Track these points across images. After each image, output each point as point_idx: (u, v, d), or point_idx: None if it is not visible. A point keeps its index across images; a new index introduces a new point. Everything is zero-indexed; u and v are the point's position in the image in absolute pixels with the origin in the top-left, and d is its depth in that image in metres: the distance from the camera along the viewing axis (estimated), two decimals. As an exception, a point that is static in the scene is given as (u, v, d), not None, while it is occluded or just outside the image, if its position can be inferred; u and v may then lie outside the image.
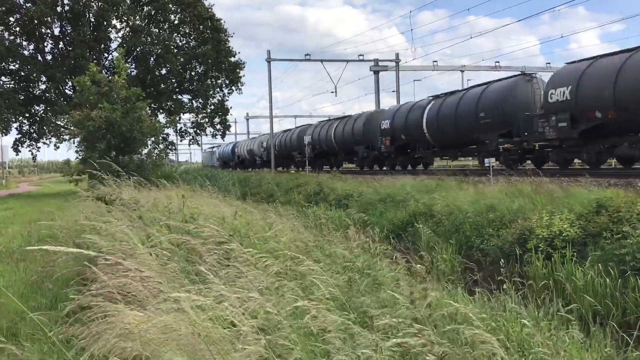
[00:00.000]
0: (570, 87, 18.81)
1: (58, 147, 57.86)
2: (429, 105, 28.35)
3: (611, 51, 19.67)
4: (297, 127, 52.63)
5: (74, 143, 23.73)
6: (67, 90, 41.11)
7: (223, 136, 47.18)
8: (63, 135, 40.93)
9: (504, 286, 6.66)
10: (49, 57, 41.75)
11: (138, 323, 3.10)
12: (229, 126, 46.80)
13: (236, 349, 2.95)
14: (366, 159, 34.70)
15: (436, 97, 28.97)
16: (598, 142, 18.81)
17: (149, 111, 27.50)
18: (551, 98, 19.73)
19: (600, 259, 8.79)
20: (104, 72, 24.05)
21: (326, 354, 3.42)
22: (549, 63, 48.73)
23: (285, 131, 53.72)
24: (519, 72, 27.18)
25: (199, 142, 52.14)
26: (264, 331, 3.22)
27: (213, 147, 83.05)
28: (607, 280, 8.19)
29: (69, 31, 40.49)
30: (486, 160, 19.07)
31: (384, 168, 33.35)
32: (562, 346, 4.25)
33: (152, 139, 21.01)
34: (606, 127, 17.91)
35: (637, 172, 16.93)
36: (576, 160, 23.21)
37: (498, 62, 47.22)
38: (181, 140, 52.21)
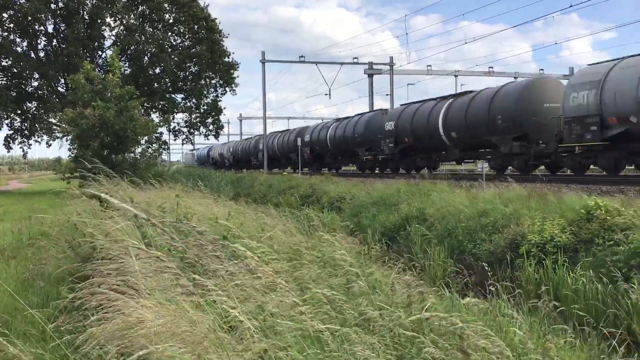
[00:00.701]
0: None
1: (50, 145, 57.67)
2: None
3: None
4: (286, 130, 53.37)
5: (66, 141, 23.62)
6: (59, 88, 40.96)
7: (216, 136, 47.12)
8: (55, 133, 40.77)
9: (496, 290, 6.68)
10: (42, 54, 41.64)
11: (141, 317, 3.09)
12: (222, 126, 46.76)
13: (235, 349, 2.95)
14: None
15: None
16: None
17: (142, 110, 27.42)
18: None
19: (592, 265, 8.85)
20: (97, 70, 23.93)
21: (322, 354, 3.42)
22: (542, 69, 49.04)
23: (274, 133, 53.95)
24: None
25: (193, 142, 52.06)
26: (262, 332, 3.22)
27: (193, 150, 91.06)
28: (599, 286, 8.24)
29: (62, 28, 40.36)
30: (479, 164, 19.13)
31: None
32: (555, 352, 4.27)
33: (146, 137, 20.94)
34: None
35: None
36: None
37: (492, 67, 47.47)
38: (175, 140, 52.13)
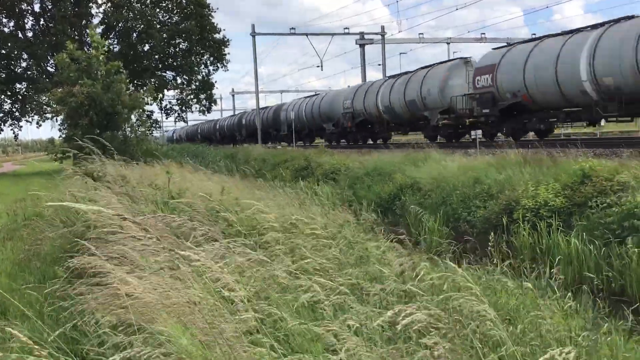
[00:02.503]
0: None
1: (40, 125, 57.32)
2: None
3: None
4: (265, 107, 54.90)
5: (56, 121, 23.50)
6: (49, 68, 40.56)
7: (209, 111, 46.94)
8: (45, 113, 40.50)
9: (491, 256, 6.72)
10: (29, 34, 41.12)
11: (133, 287, 3.10)
12: (215, 101, 46.52)
13: (227, 320, 2.96)
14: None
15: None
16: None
17: (132, 87, 27.20)
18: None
19: (586, 227, 8.90)
20: (85, 49, 23.69)
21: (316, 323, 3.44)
22: (534, 34, 48.66)
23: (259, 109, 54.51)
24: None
25: (185, 119, 51.80)
26: (252, 301, 3.23)
27: (174, 130, 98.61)
28: (592, 248, 8.31)
29: (49, 7, 39.79)
30: (472, 132, 19.14)
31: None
32: (549, 314, 4.31)
33: (136, 114, 20.82)
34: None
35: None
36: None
37: (484, 33, 47.09)
38: (167, 118, 51.89)
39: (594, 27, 19.25)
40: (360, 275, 4.26)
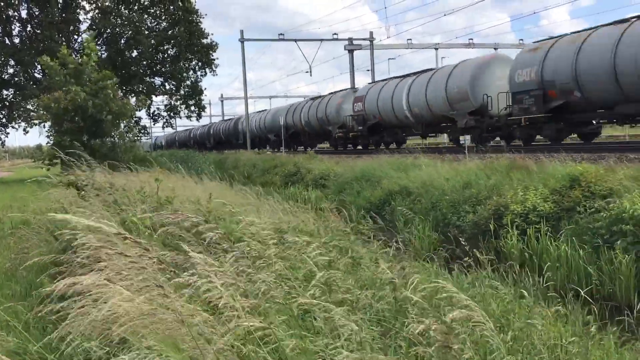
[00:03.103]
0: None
1: (27, 132, 56.91)
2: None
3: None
4: (263, 111, 56.61)
5: (44, 127, 23.33)
6: (36, 74, 40.30)
7: (199, 117, 46.79)
8: (33, 120, 40.20)
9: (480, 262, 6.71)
10: (16, 40, 40.84)
11: (122, 304, 3.05)
12: (204, 107, 46.40)
13: (217, 333, 2.92)
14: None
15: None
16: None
17: (121, 93, 27.03)
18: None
19: (574, 232, 8.93)
20: (73, 55, 23.52)
21: (308, 334, 3.41)
22: (522, 40, 48.99)
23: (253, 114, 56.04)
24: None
25: (173, 125, 51.58)
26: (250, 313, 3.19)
27: (157, 137, 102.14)
28: (581, 253, 8.33)
29: (36, 13, 39.56)
30: (461, 137, 19.22)
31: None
32: (539, 320, 4.30)
33: (125, 122, 20.70)
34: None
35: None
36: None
37: (472, 39, 47.39)
38: (154, 124, 51.64)
39: (409, 75, 29.40)
40: (351, 283, 4.23)
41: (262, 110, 53.36)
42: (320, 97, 41.52)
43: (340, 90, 39.17)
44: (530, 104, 19.52)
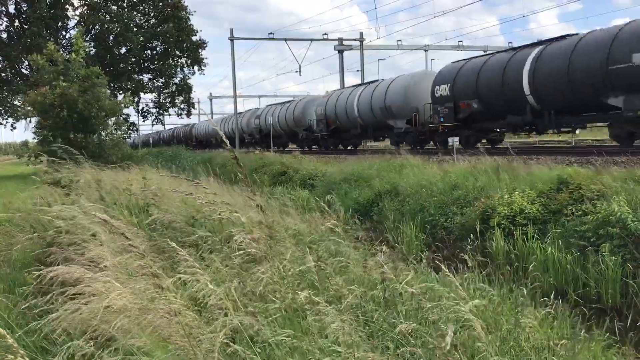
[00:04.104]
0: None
1: (15, 128, 56.46)
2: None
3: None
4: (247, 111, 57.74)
5: (30, 122, 23.13)
6: (23, 70, 39.95)
7: (188, 115, 46.64)
8: (20, 115, 39.85)
9: (469, 264, 6.71)
10: (4, 36, 40.49)
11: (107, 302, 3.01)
12: (193, 104, 46.27)
13: (204, 332, 2.89)
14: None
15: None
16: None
17: (109, 91, 26.88)
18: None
19: (561, 235, 8.96)
20: (61, 51, 23.35)
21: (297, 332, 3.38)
22: (511, 42, 49.27)
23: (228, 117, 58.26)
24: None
25: (163, 122, 51.32)
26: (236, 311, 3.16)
27: (142, 134, 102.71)
28: (568, 256, 8.35)
29: (24, 9, 39.20)
30: (449, 139, 19.30)
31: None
32: (527, 322, 4.29)
33: (113, 119, 20.57)
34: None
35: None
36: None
37: (461, 41, 47.55)
38: (144, 121, 51.28)
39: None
40: (340, 282, 4.20)
41: (240, 113, 54.77)
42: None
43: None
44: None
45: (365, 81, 40.85)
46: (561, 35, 20.39)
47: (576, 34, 19.85)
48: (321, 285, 3.96)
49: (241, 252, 4.34)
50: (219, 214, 5.00)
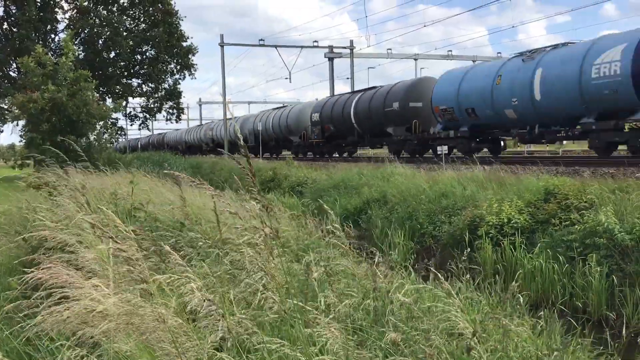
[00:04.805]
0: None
1: (2, 131, 55.99)
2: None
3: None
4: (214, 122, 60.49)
5: (17, 125, 22.94)
6: (11, 72, 39.68)
7: (177, 120, 46.48)
8: (6, 117, 39.54)
9: (456, 272, 6.70)
10: (-8, 38, 40.18)
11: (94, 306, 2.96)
12: (183, 109, 46.15)
13: (191, 340, 2.85)
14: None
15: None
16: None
17: (97, 95, 26.75)
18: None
19: (549, 245, 8.99)
20: (50, 54, 23.20)
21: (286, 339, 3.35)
22: (499, 53, 49.62)
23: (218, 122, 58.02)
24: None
25: (148, 127, 51.07)
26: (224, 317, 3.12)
27: (131, 139, 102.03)
28: (556, 266, 8.38)
29: (13, 11, 38.96)
30: (438, 148, 19.32)
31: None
32: (515, 332, 4.29)
33: (101, 123, 20.46)
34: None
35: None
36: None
37: (450, 50, 47.84)
38: (131, 125, 51.00)
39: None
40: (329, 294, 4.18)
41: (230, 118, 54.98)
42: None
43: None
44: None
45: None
46: (371, 87, 30.85)
47: (381, 86, 29.80)
48: (311, 293, 3.93)
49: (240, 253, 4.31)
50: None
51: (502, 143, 23.73)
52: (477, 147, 23.04)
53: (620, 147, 18.66)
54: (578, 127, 17.60)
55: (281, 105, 51.99)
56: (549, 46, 19.20)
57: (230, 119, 46.69)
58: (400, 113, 26.39)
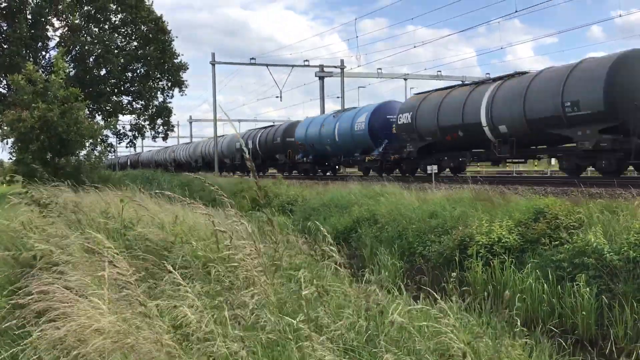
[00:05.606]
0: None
1: (-10, 148, 55.53)
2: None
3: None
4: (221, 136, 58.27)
5: (7, 143, 22.81)
6: (1, 89, 39.55)
7: (165, 138, 46.32)
8: (-1, 137, 39.26)
9: (446, 292, 6.72)
10: (-19, 54, 40.02)
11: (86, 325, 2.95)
12: (173, 127, 46.04)
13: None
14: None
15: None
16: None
17: (88, 112, 26.71)
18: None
19: (538, 265, 9.03)
20: (40, 72, 23.16)
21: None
22: (488, 73, 50.15)
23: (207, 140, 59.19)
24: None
25: (135, 146, 50.66)
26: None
27: (121, 156, 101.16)
28: (545, 286, 8.42)
29: (4, 28, 38.92)
30: (428, 167, 19.44)
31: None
32: (506, 353, 4.31)
33: (91, 140, 20.39)
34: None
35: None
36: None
37: (440, 71, 48.31)
38: (119, 143, 50.86)
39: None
40: (320, 312, 4.18)
41: (221, 136, 55.03)
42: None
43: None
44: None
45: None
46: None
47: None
48: (304, 313, 3.94)
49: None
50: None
51: (336, 167, 36.03)
52: (321, 169, 35.69)
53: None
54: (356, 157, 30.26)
55: (271, 124, 52.08)
56: (345, 109, 34.82)
57: (220, 136, 46.65)
58: (282, 145, 37.99)
